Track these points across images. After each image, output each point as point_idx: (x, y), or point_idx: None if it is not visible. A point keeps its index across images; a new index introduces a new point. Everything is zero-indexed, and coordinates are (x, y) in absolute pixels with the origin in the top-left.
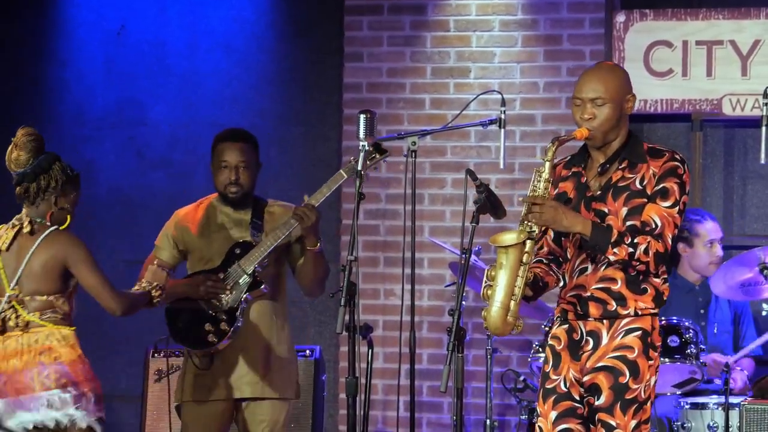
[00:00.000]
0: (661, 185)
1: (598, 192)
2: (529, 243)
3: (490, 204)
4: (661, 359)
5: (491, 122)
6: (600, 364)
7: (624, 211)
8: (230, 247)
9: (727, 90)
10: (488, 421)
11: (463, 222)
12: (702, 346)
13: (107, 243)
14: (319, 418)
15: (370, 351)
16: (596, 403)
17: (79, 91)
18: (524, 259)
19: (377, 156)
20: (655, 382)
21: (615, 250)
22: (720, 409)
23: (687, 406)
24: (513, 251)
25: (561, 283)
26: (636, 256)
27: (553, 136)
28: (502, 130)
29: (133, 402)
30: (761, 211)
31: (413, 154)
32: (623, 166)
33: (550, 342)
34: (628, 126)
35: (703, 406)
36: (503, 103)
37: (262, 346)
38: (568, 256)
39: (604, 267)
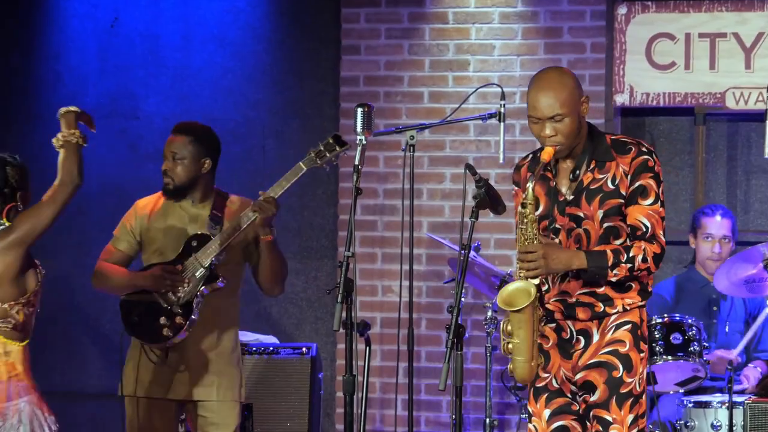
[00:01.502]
0: (637, 184)
1: (571, 196)
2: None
3: (489, 199)
4: (664, 357)
5: (491, 116)
6: (592, 361)
7: (600, 213)
8: (187, 240)
9: (730, 83)
10: (488, 420)
11: (462, 217)
12: (705, 344)
13: (99, 238)
14: (316, 417)
15: (367, 348)
16: (591, 399)
17: (71, 84)
18: (537, 308)
19: (337, 148)
20: (651, 377)
21: (615, 271)
22: (724, 407)
23: (690, 405)
24: (526, 310)
25: (545, 287)
26: (636, 268)
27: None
28: (502, 123)
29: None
30: (765, 206)
31: (411, 148)
32: (592, 167)
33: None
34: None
35: (706, 405)
36: (503, 96)
37: (216, 344)
38: None
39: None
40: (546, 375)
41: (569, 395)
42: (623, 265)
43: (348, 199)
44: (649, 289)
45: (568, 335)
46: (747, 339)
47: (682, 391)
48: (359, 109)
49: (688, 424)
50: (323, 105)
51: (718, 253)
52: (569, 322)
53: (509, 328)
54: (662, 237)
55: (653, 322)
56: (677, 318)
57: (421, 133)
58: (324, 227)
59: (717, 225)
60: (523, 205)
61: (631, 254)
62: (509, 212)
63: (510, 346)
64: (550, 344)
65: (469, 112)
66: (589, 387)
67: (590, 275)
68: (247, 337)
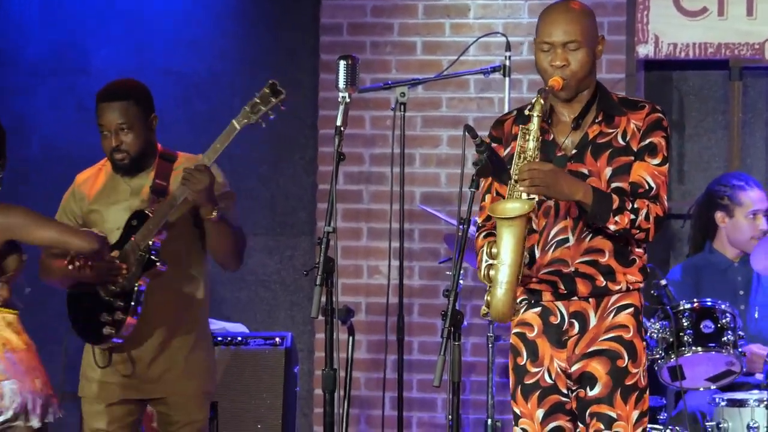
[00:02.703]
0: (648, 140)
1: (573, 151)
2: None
3: (492, 166)
4: (693, 348)
5: (494, 70)
6: (592, 349)
7: (608, 171)
8: (128, 219)
9: None
10: (490, 421)
11: (461, 187)
12: (740, 333)
13: (41, 211)
14: (291, 417)
15: (350, 339)
16: (589, 394)
17: (11, 34)
18: (527, 233)
19: (273, 99)
20: (679, 371)
21: (617, 218)
22: (762, 406)
23: (723, 403)
24: (518, 224)
25: (527, 260)
26: (637, 223)
27: (539, 89)
28: (507, 78)
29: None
30: None
31: (402, 107)
32: (599, 119)
33: (517, 330)
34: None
35: (741, 403)
36: (508, 47)
37: (177, 332)
38: (535, 227)
39: (589, 237)
40: (536, 370)
41: (564, 391)
42: (627, 213)
43: (329, 165)
44: (648, 270)
45: (558, 319)
46: None
47: (713, 387)
48: (342, 62)
49: (721, 425)
50: (300, 57)
51: (763, 230)
52: (560, 305)
53: (494, 249)
54: (665, 201)
55: (681, 307)
56: (708, 303)
57: (414, 90)
58: (301, 198)
59: (759, 198)
60: (526, 136)
61: (636, 206)
62: None
63: (491, 271)
64: (535, 332)
65: (469, 66)
66: (587, 380)
67: (591, 216)
68: (212, 325)
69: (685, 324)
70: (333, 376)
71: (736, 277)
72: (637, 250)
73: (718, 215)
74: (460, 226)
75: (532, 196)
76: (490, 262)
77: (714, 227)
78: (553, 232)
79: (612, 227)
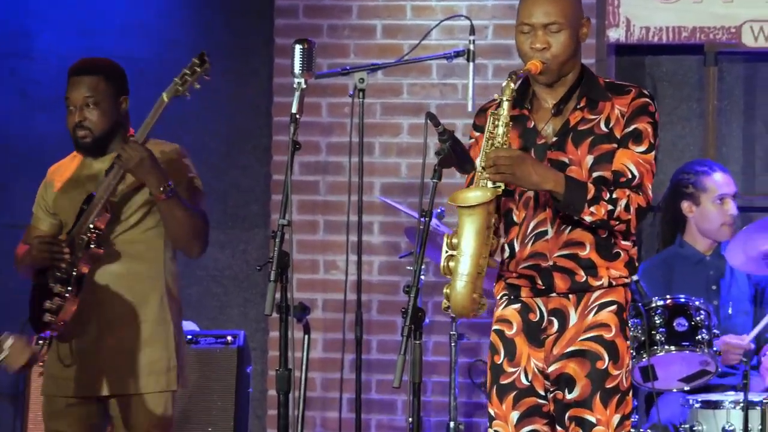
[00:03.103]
0: (632, 126)
1: (554, 138)
2: (492, 203)
3: (455, 155)
4: (666, 347)
5: (457, 54)
6: (571, 349)
7: (589, 159)
8: (82, 203)
9: (747, 15)
10: (452, 424)
11: (422, 178)
12: (716, 331)
13: None
14: (243, 419)
15: (306, 337)
16: (568, 396)
17: None
18: (490, 222)
19: (197, 70)
20: (651, 371)
21: (592, 209)
22: (738, 408)
23: (697, 405)
24: (479, 212)
25: (506, 253)
26: (616, 214)
27: (510, 71)
28: (471, 64)
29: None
30: None
31: (361, 93)
32: (582, 105)
33: (496, 326)
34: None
35: (716, 405)
36: (472, 31)
37: (131, 329)
38: (516, 220)
39: (569, 229)
40: (513, 370)
41: (542, 393)
42: (604, 203)
43: (283, 155)
44: (636, 264)
45: (537, 317)
46: (763, 324)
47: (687, 388)
48: (298, 46)
49: (695, 428)
50: (254, 41)
51: (733, 215)
52: (539, 301)
53: (454, 239)
54: (649, 191)
55: (653, 304)
56: (682, 300)
57: (373, 76)
58: (254, 190)
59: (724, 182)
60: (495, 122)
61: (614, 196)
62: None
63: (451, 263)
64: (514, 330)
65: (432, 50)
66: (565, 381)
67: (563, 206)
68: None
69: (658, 322)
70: (287, 376)
71: (708, 271)
72: (623, 242)
73: (685, 205)
74: (422, 219)
75: (498, 183)
76: (450, 253)
77: (682, 219)
78: (532, 225)
79: (587, 218)
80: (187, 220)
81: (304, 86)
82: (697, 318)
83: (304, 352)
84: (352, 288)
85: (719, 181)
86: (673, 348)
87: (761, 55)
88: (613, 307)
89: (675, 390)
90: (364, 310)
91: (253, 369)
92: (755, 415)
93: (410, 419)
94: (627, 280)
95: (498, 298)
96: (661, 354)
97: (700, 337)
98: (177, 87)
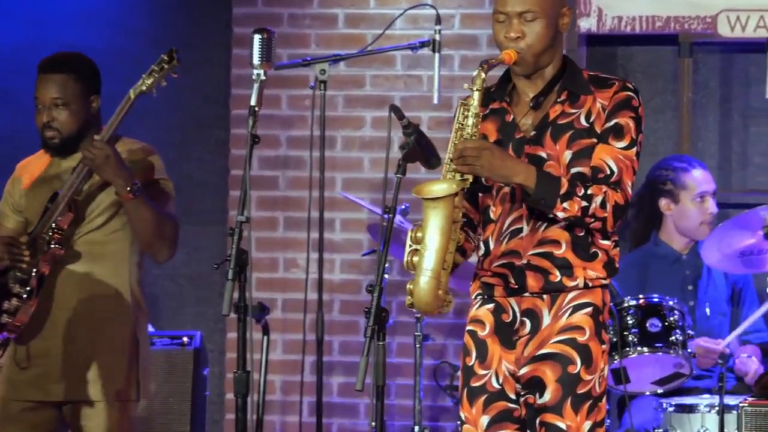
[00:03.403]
0: (614, 121)
1: (532, 133)
2: (459, 195)
3: (420, 149)
4: (639, 348)
5: (423, 45)
6: (542, 352)
7: (567, 155)
8: (47, 202)
9: (724, 4)
10: (417, 428)
11: (386, 173)
12: (690, 332)
13: None
14: (200, 424)
15: (265, 338)
16: (539, 401)
17: None
18: (455, 215)
19: (165, 66)
20: (623, 374)
21: (565, 204)
22: (713, 412)
23: (671, 409)
24: (444, 205)
25: (481, 251)
26: (591, 212)
27: (481, 60)
28: (437, 55)
29: None
30: (767, 159)
31: (322, 85)
32: (562, 98)
33: (469, 327)
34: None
35: (691, 409)
36: (438, 20)
37: (94, 333)
38: (492, 216)
39: (544, 227)
40: (484, 372)
41: (513, 397)
42: (578, 199)
43: (242, 149)
44: (617, 265)
45: (510, 317)
46: (742, 329)
47: (660, 391)
48: (257, 36)
49: None
50: (211, 30)
51: (713, 214)
52: (513, 301)
53: (418, 233)
54: (629, 189)
55: (625, 304)
56: (655, 300)
57: (335, 67)
58: (211, 185)
59: (704, 179)
60: (465, 112)
61: (589, 192)
62: None
63: (415, 257)
64: (486, 331)
65: (396, 41)
66: (536, 385)
67: (533, 201)
68: None
69: (630, 322)
70: (246, 379)
71: (685, 270)
72: (602, 242)
73: (663, 203)
74: (385, 216)
75: (465, 176)
76: (414, 247)
77: (659, 216)
78: (508, 222)
79: (560, 214)
80: (154, 222)
81: (263, 78)
82: (671, 318)
83: (263, 353)
84: (313, 287)
85: (699, 178)
86: (646, 349)
87: (738, 46)
88: (589, 309)
89: (648, 393)
90: (326, 310)
91: (210, 371)
92: (731, 419)
93: (373, 423)
94: (605, 282)
95: (473, 297)
96: (634, 356)
97: (673, 338)
98: (144, 83)
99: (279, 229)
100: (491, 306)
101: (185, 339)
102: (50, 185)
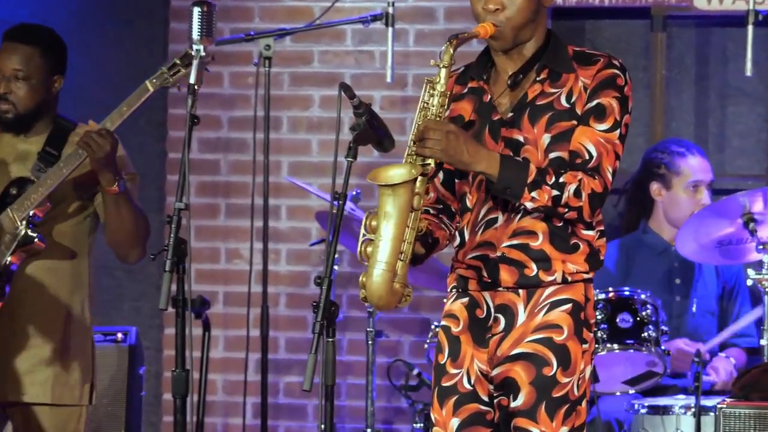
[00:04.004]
0: (595, 101)
1: (510, 114)
2: (420, 181)
3: (372, 131)
4: (608, 345)
5: (375, 18)
6: (516, 351)
7: (546, 139)
8: (5, 187)
9: None
10: (369, 431)
11: (336, 156)
12: (664, 328)
13: None
14: (135, 426)
15: (206, 334)
16: (512, 404)
17: None
18: (415, 203)
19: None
20: (591, 373)
21: (533, 194)
22: (689, 414)
23: (643, 410)
24: (402, 192)
25: (456, 242)
26: (563, 201)
27: (451, 35)
28: (390, 29)
29: None
30: (746, 141)
31: (267, 62)
32: (542, 77)
33: (443, 322)
34: (547, 25)
35: (665, 410)
36: None
37: (49, 331)
38: (468, 205)
39: (519, 217)
40: (456, 371)
41: (485, 399)
42: (547, 188)
43: (180, 131)
44: (601, 257)
45: (484, 313)
46: (727, 334)
47: (632, 391)
48: (196, 9)
49: None
50: (147, 3)
51: (705, 206)
52: (486, 295)
53: (373, 222)
54: (609, 175)
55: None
56: (626, 293)
57: (281, 42)
58: (147, 169)
59: (700, 167)
60: (431, 91)
61: (561, 180)
62: (401, 148)
63: (368, 248)
64: (460, 327)
65: (346, 14)
66: (509, 387)
67: (499, 189)
68: None
69: (599, 317)
70: (185, 378)
71: (673, 262)
72: (584, 232)
73: (654, 187)
74: (335, 202)
75: (426, 161)
76: (368, 236)
77: (650, 203)
78: (483, 210)
79: (529, 204)
80: (132, 220)
81: (203, 54)
82: (643, 313)
83: (203, 351)
84: (257, 279)
85: (695, 165)
86: (616, 346)
87: (715, 19)
88: (568, 306)
89: (618, 393)
90: (271, 305)
91: (146, 370)
92: (708, 421)
93: (322, 426)
94: (587, 276)
95: (448, 290)
96: (603, 353)
97: (646, 334)
98: (164, 77)
99: (220, 216)
100: (465, 300)
101: (120, 335)
102: (6, 168)
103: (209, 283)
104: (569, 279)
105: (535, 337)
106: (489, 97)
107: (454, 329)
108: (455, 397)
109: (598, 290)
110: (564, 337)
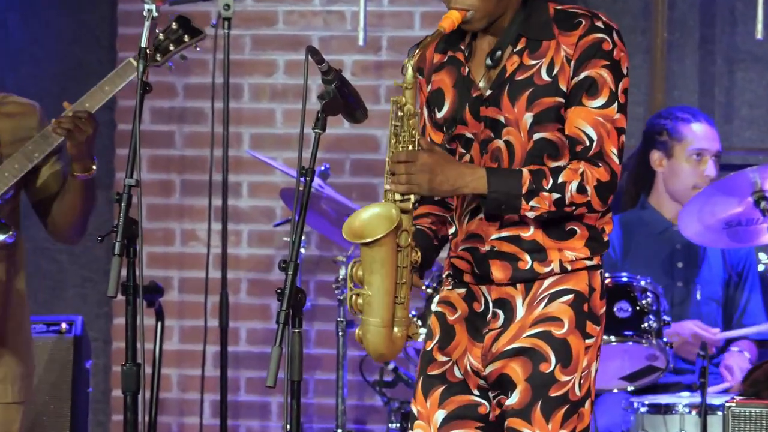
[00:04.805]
0: (582, 74)
1: (489, 91)
2: (404, 218)
3: (343, 100)
4: (605, 337)
5: None
6: (512, 347)
7: (528, 118)
8: None
9: None
10: (340, 431)
11: (302, 127)
12: (666, 318)
13: None
14: (82, 425)
15: (159, 325)
16: (507, 402)
17: None
18: (402, 241)
19: (186, 39)
20: (596, 371)
21: (532, 203)
22: (694, 413)
23: (643, 409)
24: (385, 243)
25: (452, 229)
26: (567, 202)
27: (410, 47)
28: None
29: None
30: (756, 111)
31: (226, 23)
32: (520, 47)
33: (437, 308)
34: None
35: (668, 409)
36: None
37: None
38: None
39: None
40: (445, 359)
41: (476, 393)
42: (546, 194)
43: (131, 99)
44: (605, 239)
45: (482, 307)
46: (741, 333)
47: (631, 388)
48: None
49: None
50: None
51: (710, 177)
52: (484, 288)
53: (359, 272)
54: (615, 158)
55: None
56: (624, 279)
57: (241, 1)
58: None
59: (706, 135)
60: (399, 113)
61: (560, 180)
62: (375, 119)
63: (359, 300)
64: (456, 316)
65: None
66: (504, 385)
67: (493, 206)
68: None
69: None
70: (136, 373)
71: (674, 244)
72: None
73: (655, 156)
74: (301, 179)
75: (405, 197)
76: (356, 290)
77: (651, 175)
78: (468, 198)
79: (530, 214)
80: (89, 203)
81: (155, 14)
82: (643, 302)
83: (156, 343)
84: (215, 264)
85: (700, 133)
86: (612, 338)
87: None
88: (569, 297)
89: (616, 390)
90: (231, 292)
91: (93, 364)
92: (715, 421)
93: (288, 426)
94: (591, 263)
95: (444, 276)
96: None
97: (646, 324)
98: (152, 55)
99: (175, 194)
100: (463, 291)
101: (64, 325)
102: None
103: (163, 267)
104: (569, 268)
105: (533, 332)
106: (467, 70)
107: (450, 317)
108: (443, 387)
109: None
110: (564, 331)
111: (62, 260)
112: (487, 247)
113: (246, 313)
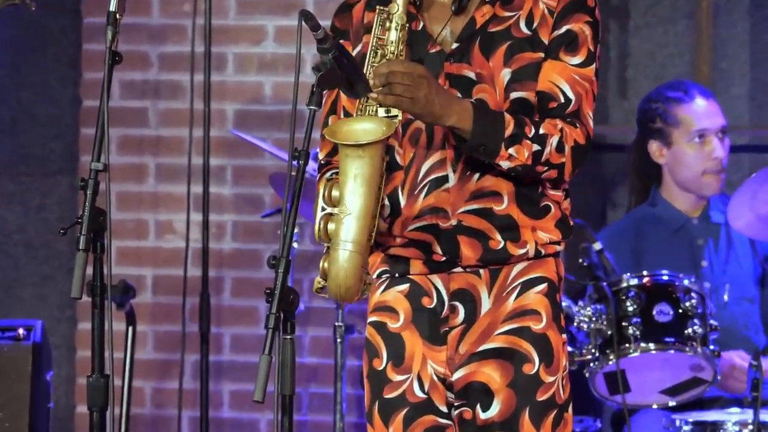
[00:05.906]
0: (564, 28)
1: (454, 45)
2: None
3: (341, 71)
4: (643, 345)
5: None
6: (484, 347)
7: (506, 74)
8: None
9: None
10: None
11: (295, 103)
12: (712, 322)
13: None
14: None
15: (131, 330)
16: (483, 416)
17: None
18: (384, 166)
19: None
20: (622, 382)
21: (511, 150)
22: (745, 431)
23: (687, 428)
24: (372, 154)
25: (387, 211)
26: (544, 158)
27: None
28: None
29: None
30: None
31: None
32: None
33: (373, 318)
34: None
35: (715, 427)
36: None
37: None
38: (399, 161)
39: (479, 175)
40: (402, 378)
41: (443, 410)
42: (527, 142)
43: (98, 71)
44: (571, 223)
45: (434, 302)
46: None
47: (673, 404)
48: None
49: None
50: None
51: (719, 158)
52: (436, 279)
53: (334, 191)
54: (591, 121)
55: (624, 284)
56: (665, 277)
57: None
58: (56, 120)
59: (706, 111)
60: (387, 24)
61: (541, 131)
62: None
63: (330, 225)
64: (400, 322)
65: None
66: (477, 394)
67: (471, 147)
68: None
69: (631, 309)
70: (104, 385)
71: (695, 240)
72: (551, 192)
73: (653, 147)
74: (294, 162)
75: (393, 112)
76: (329, 210)
77: (656, 165)
78: (425, 168)
79: (504, 164)
80: None
81: None
82: (687, 304)
83: (127, 351)
84: (194, 260)
85: (698, 110)
86: (652, 346)
87: None
88: (542, 286)
89: (655, 406)
90: (213, 292)
91: (54, 375)
92: None
93: None
94: (559, 248)
95: (374, 276)
96: (635, 355)
97: (690, 330)
98: None
99: (149, 180)
100: (404, 287)
101: (21, 331)
102: None
103: (135, 264)
104: (542, 252)
105: (509, 327)
106: (421, 24)
107: (393, 325)
108: (404, 411)
109: (629, 274)
110: (543, 325)
111: (18, 255)
112: (453, 221)
113: (230, 317)
